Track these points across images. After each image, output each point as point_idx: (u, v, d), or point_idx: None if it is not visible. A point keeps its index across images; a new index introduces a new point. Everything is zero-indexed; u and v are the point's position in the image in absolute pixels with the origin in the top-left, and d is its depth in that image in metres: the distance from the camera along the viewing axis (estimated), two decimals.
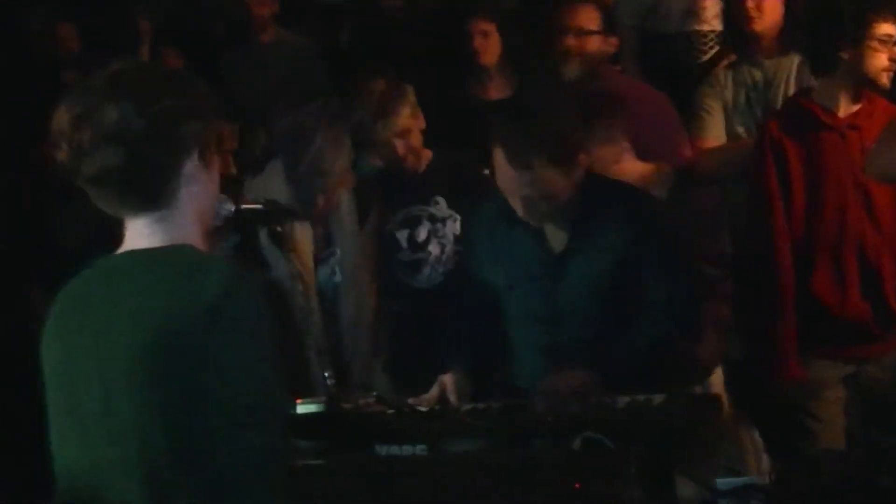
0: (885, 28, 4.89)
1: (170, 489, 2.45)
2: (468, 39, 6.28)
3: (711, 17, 6.30)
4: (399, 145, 5.37)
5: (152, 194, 2.53)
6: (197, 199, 2.58)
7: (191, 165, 2.55)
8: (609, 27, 5.77)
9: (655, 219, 4.36)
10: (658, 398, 3.92)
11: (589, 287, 4.26)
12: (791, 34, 5.66)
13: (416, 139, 5.46)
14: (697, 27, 6.32)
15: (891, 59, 4.91)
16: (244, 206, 3.65)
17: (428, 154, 5.47)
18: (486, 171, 4.60)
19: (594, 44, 5.71)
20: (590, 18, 5.73)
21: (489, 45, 6.30)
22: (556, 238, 4.31)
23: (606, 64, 5.82)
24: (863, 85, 4.97)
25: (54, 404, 2.62)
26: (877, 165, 4.55)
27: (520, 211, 4.22)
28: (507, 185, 4.20)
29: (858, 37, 4.88)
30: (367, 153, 5.54)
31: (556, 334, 4.30)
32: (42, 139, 3.00)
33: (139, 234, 2.56)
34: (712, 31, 6.29)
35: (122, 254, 2.59)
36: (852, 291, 4.95)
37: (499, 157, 4.18)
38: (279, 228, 3.61)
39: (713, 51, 6.26)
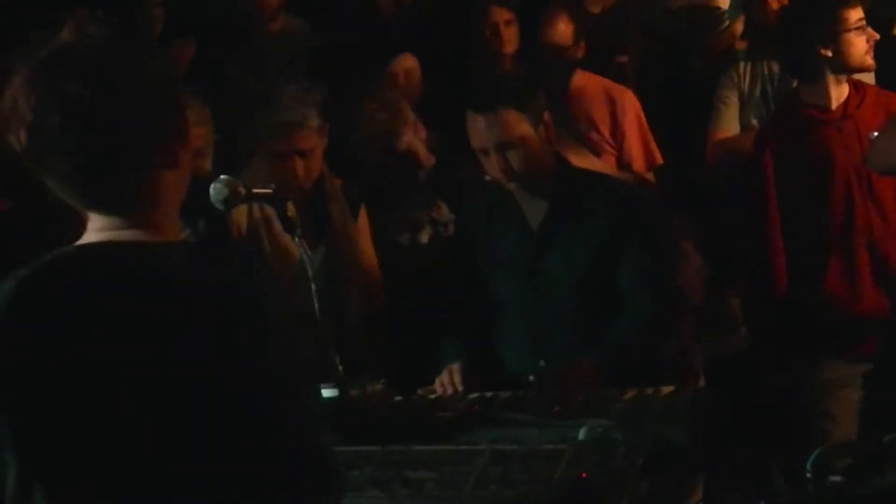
0: (856, 14, 4.97)
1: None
2: (493, 28, 6.29)
3: None
4: (404, 159, 5.40)
5: (132, 192, 2.23)
6: (176, 186, 2.30)
7: (171, 151, 2.26)
8: (580, 36, 5.97)
9: (634, 206, 4.41)
10: (665, 389, 3.93)
11: (570, 269, 4.31)
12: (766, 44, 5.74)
13: (422, 152, 5.49)
14: (707, 1, 6.37)
15: (867, 41, 4.98)
16: (255, 190, 3.65)
17: (431, 159, 5.49)
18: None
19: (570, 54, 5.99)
20: (565, 34, 5.95)
21: (511, 34, 6.32)
22: (535, 216, 4.37)
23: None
24: (849, 73, 5.03)
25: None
26: (880, 159, 4.55)
27: (494, 170, 4.30)
28: (479, 139, 4.30)
29: (835, 31, 4.92)
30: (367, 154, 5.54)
31: (539, 318, 4.35)
32: None
33: (111, 226, 2.25)
34: (719, 8, 6.33)
35: (111, 243, 2.24)
36: (865, 284, 4.95)
37: (469, 116, 4.30)
38: (290, 213, 3.60)
39: (723, 26, 6.28)
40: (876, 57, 5.06)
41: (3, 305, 2.16)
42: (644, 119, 5.95)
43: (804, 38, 4.96)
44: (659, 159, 5.97)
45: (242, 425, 2.18)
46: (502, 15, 6.36)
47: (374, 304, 5.04)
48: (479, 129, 4.29)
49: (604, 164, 5.57)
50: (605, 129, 5.91)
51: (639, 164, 5.92)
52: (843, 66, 4.97)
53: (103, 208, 2.24)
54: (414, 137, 5.48)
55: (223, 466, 2.17)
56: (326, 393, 3.63)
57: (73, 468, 2.16)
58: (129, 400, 2.14)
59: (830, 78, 4.97)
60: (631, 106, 5.98)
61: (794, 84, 5.27)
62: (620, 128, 5.92)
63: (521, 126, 4.25)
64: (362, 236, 5.05)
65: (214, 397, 2.16)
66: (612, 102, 5.94)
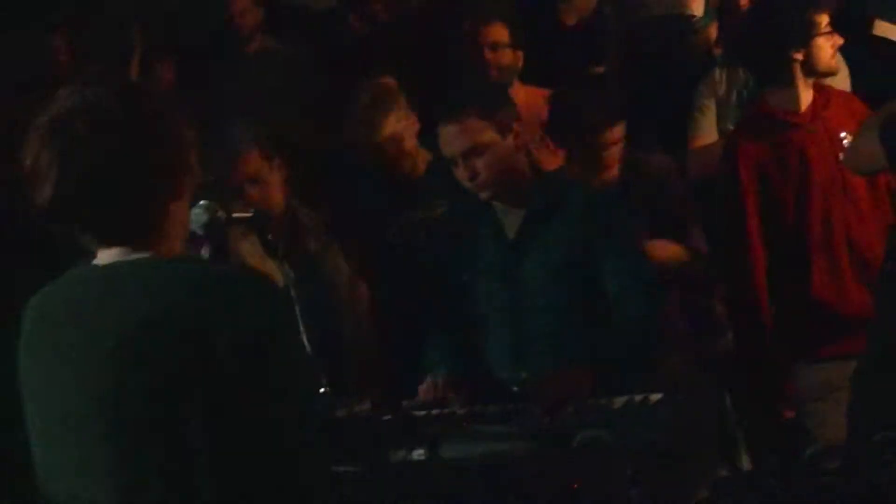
0: (825, 18, 4.99)
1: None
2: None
3: (692, 1, 6.36)
4: (389, 148, 5.39)
5: (142, 225, 2.46)
6: (179, 214, 2.51)
7: (174, 183, 2.48)
8: (517, 42, 5.99)
9: (611, 206, 4.43)
10: (655, 397, 3.92)
11: (546, 272, 4.32)
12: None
13: (409, 142, 5.47)
14: (681, 11, 6.37)
15: (832, 46, 5.01)
16: (234, 214, 3.64)
17: (426, 156, 5.47)
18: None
19: (508, 57, 5.98)
20: (501, 34, 5.98)
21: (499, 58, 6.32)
22: (511, 223, 4.40)
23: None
24: (817, 77, 5.05)
25: (37, 434, 2.50)
26: (858, 160, 4.56)
27: (464, 179, 4.34)
28: (448, 147, 4.36)
29: (807, 35, 4.95)
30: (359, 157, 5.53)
31: (519, 323, 4.35)
32: None
33: (121, 254, 2.47)
34: (693, 15, 6.34)
35: (116, 263, 2.46)
36: (848, 283, 4.96)
37: (441, 129, 4.37)
38: (270, 237, 3.60)
39: (700, 33, 6.29)
40: (853, 56, 5.08)
41: (27, 313, 2.50)
42: None
43: (776, 41, 4.98)
44: None
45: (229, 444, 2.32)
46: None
47: (362, 326, 5.04)
48: (446, 138, 4.36)
49: None
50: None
51: None
52: (812, 70, 5.00)
53: (116, 242, 2.46)
54: (402, 126, 5.46)
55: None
56: None
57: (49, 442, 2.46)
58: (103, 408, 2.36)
59: (801, 81, 5.00)
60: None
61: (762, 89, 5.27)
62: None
63: (486, 133, 4.30)
64: (343, 262, 5.06)
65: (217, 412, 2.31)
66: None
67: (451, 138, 4.35)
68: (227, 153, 4.82)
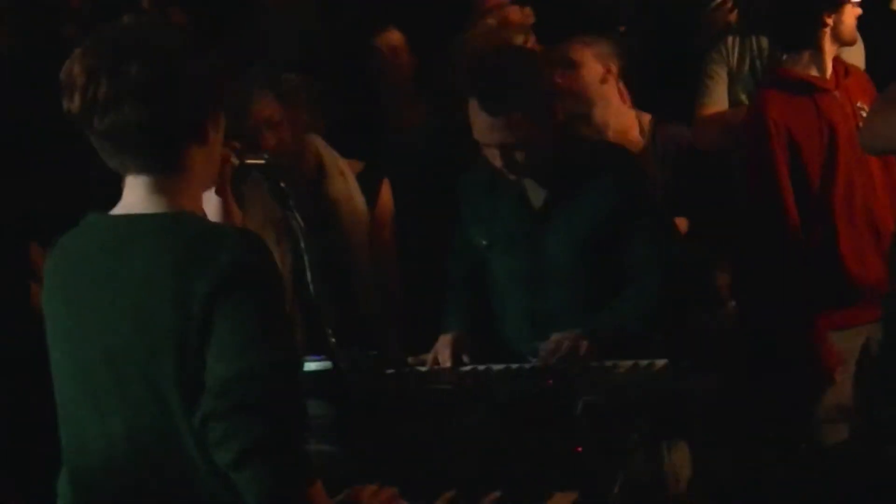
0: None
1: (184, 459, 2.45)
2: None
3: None
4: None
5: (165, 154, 2.54)
6: (206, 160, 2.60)
7: (204, 126, 2.55)
8: None
9: (638, 180, 4.37)
10: (660, 363, 3.91)
11: (571, 246, 4.25)
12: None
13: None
14: None
15: (855, 16, 5.04)
16: (247, 160, 3.61)
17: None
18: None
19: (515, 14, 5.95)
20: None
21: None
22: (536, 195, 4.31)
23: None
24: (841, 45, 5.07)
25: (60, 370, 2.61)
26: (872, 141, 4.54)
27: (496, 161, 4.21)
28: (483, 135, 4.21)
29: (839, 1, 4.96)
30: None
31: (540, 295, 4.31)
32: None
33: (139, 196, 2.55)
34: None
35: (122, 217, 2.57)
36: (868, 253, 4.95)
37: (473, 107, 4.19)
38: (282, 184, 3.55)
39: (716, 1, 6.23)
40: (875, 32, 5.06)
41: (49, 260, 2.63)
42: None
43: (810, 5, 4.94)
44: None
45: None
46: None
47: (389, 288, 5.02)
48: (482, 126, 4.19)
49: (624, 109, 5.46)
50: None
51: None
52: (839, 37, 5.02)
53: (135, 170, 2.55)
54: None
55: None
56: (318, 365, 3.60)
57: (71, 398, 2.60)
58: (109, 352, 2.49)
59: (827, 48, 4.98)
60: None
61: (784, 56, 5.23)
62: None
63: (527, 127, 4.15)
64: (380, 221, 5.02)
65: (188, 362, 2.42)
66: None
67: (489, 130, 4.18)
68: (243, 96, 4.76)
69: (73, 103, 2.50)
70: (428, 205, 5.37)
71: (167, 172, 2.54)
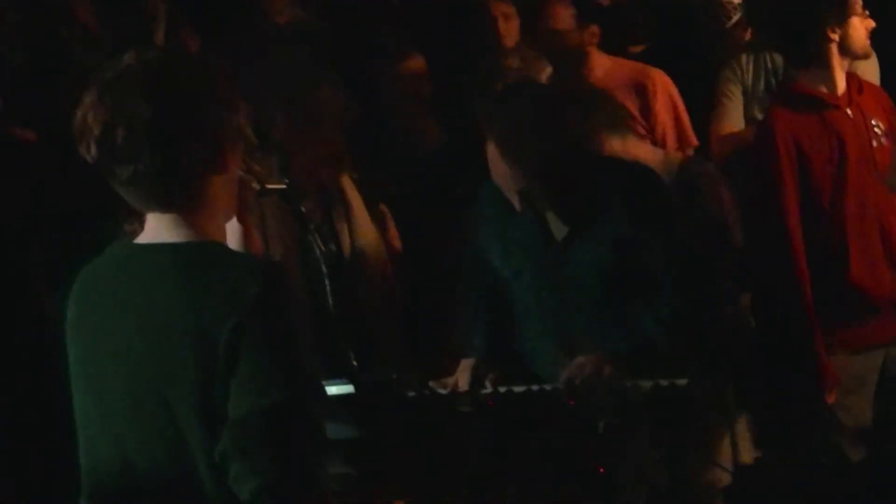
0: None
1: (198, 488, 2.45)
2: (492, 22, 6.26)
3: None
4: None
5: (186, 194, 2.52)
6: (224, 190, 2.58)
7: (223, 155, 2.54)
8: (585, 18, 5.85)
9: (656, 196, 4.30)
10: (681, 382, 3.91)
11: (594, 273, 4.21)
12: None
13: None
14: None
15: (866, 28, 4.97)
16: (268, 185, 3.63)
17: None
18: None
19: (574, 39, 5.83)
20: (564, 18, 5.84)
21: (510, 28, 6.28)
22: (558, 225, 4.25)
23: (596, 53, 5.88)
24: (852, 58, 5.01)
25: (81, 399, 2.62)
26: None
27: (517, 205, 4.15)
28: (502, 181, 4.14)
29: (843, 13, 4.90)
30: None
31: (565, 323, 4.27)
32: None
33: (163, 227, 2.55)
34: (730, 2, 6.25)
35: (147, 245, 2.56)
36: (881, 270, 4.92)
37: (492, 151, 4.11)
38: (302, 208, 3.58)
39: (735, 18, 6.21)
40: (891, 45, 5.04)
41: (74, 287, 2.63)
42: (679, 100, 5.80)
43: (812, 19, 4.93)
44: (693, 141, 5.77)
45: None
46: (501, 9, 6.33)
47: (389, 296, 5.02)
48: (502, 173, 4.12)
49: (648, 150, 5.40)
50: (634, 112, 5.73)
51: (671, 145, 5.75)
52: (848, 50, 4.94)
53: (158, 208, 2.53)
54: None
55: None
56: (339, 389, 3.61)
57: (91, 426, 2.60)
58: (132, 380, 2.49)
59: (836, 62, 4.94)
60: (662, 87, 5.76)
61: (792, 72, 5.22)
62: (651, 109, 5.77)
63: (545, 171, 4.08)
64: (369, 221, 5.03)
65: (211, 391, 2.41)
66: (638, 84, 5.74)
67: (509, 177, 4.11)
68: (302, 76, 4.76)
69: (90, 153, 2.48)
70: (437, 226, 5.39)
71: (190, 206, 2.53)
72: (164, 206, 2.53)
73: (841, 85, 4.97)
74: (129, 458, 2.52)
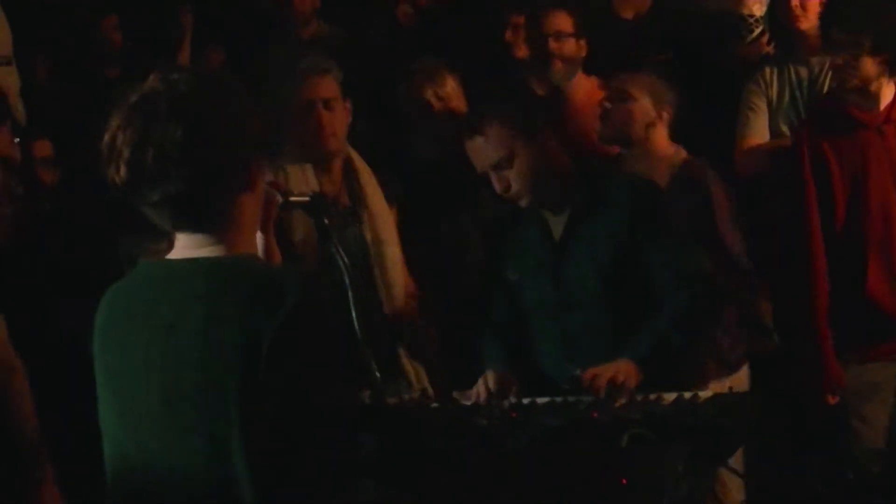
0: None
1: (239, 489, 2.45)
2: (503, 32, 6.29)
3: (752, 2, 6.27)
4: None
5: (215, 214, 2.53)
6: (252, 205, 2.60)
7: (251, 173, 2.55)
8: (580, 31, 5.92)
9: (654, 203, 4.36)
10: (704, 394, 3.92)
11: (593, 274, 4.30)
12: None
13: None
14: (739, 9, 6.28)
15: None
16: (291, 198, 3.63)
17: None
18: None
19: (571, 47, 5.89)
20: (565, 23, 5.90)
21: (520, 40, 6.30)
22: (557, 226, 4.37)
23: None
24: None
25: (109, 408, 2.63)
26: None
27: (497, 188, 4.33)
28: (476, 161, 4.34)
29: None
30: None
31: (567, 322, 4.34)
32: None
33: (194, 245, 2.56)
34: (752, 16, 6.25)
35: (178, 261, 2.57)
36: None
37: (466, 144, 4.35)
38: (326, 221, 3.58)
39: (756, 32, 6.21)
40: None
41: (102, 304, 2.63)
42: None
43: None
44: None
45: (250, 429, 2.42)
46: (513, 20, 6.35)
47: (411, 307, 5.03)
48: (473, 152, 4.34)
49: (668, 144, 5.38)
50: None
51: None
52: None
53: (188, 229, 2.55)
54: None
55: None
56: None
57: (119, 434, 2.60)
58: (164, 390, 2.49)
59: (884, 79, 4.93)
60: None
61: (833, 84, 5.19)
62: None
63: (511, 143, 4.26)
64: (391, 222, 5.03)
65: (247, 401, 2.41)
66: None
67: (478, 152, 4.32)
68: (305, 71, 4.81)
69: (119, 175, 2.48)
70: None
71: (220, 224, 2.55)
72: (194, 225, 2.54)
73: (885, 101, 4.95)
74: (159, 467, 2.53)
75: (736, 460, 4.20)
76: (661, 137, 5.26)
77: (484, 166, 4.32)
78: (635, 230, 4.26)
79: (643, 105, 5.20)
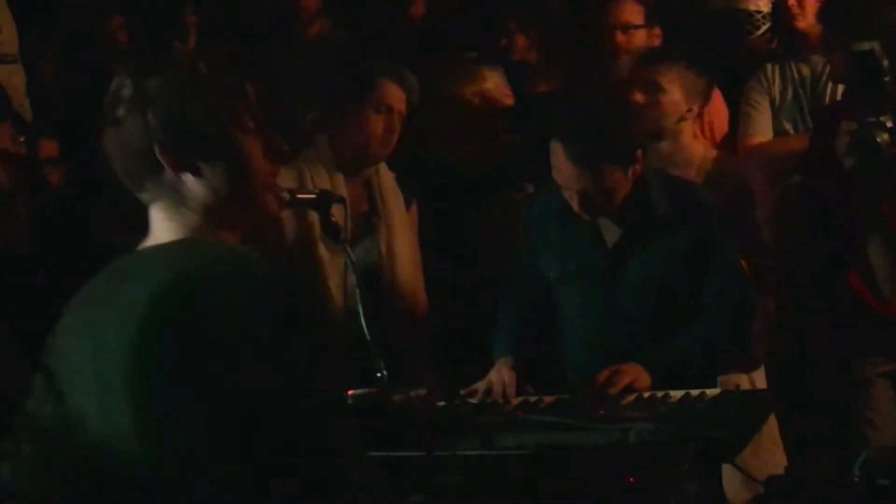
0: None
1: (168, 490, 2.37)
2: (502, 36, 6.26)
3: None
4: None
5: (212, 206, 2.52)
6: (252, 201, 2.56)
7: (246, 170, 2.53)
8: (652, 19, 5.80)
9: (713, 220, 4.35)
10: (711, 392, 3.92)
11: (644, 284, 4.27)
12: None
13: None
14: (745, 6, 6.25)
15: None
16: (298, 195, 3.64)
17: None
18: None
19: (640, 38, 5.77)
20: (634, 13, 5.77)
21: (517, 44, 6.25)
22: (610, 233, 4.31)
23: None
24: None
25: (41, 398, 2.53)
26: None
27: (575, 206, 4.22)
28: (565, 181, 4.21)
29: None
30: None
31: (609, 331, 4.31)
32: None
33: (157, 226, 2.55)
34: (759, 12, 6.22)
35: (137, 251, 2.56)
36: None
37: (557, 152, 4.18)
38: (333, 218, 3.58)
39: (763, 28, 6.19)
40: None
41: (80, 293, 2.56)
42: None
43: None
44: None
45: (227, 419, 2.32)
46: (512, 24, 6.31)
47: (416, 307, 5.02)
48: (567, 174, 4.20)
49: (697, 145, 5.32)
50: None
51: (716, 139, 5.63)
52: None
53: (171, 218, 2.53)
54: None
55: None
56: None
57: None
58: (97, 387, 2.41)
59: None
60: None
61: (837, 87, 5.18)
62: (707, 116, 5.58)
63: (612, 177, 4.18)
64: (408, 233, 5.03)
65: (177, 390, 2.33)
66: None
67: (574, 178, 4.19)
68: (369, 75, 4.86)
69: (114, 166, 2.53)
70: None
71: (217, 217, 2.54)
72: (173, 217, 2.53)
73: None
74: (106, 461, 2.42)
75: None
76: (689, 131, 5.15)
77: (573, 189, 4.21)
78: (692, 249, 4.25)
79: (673, 98, 5.03)
